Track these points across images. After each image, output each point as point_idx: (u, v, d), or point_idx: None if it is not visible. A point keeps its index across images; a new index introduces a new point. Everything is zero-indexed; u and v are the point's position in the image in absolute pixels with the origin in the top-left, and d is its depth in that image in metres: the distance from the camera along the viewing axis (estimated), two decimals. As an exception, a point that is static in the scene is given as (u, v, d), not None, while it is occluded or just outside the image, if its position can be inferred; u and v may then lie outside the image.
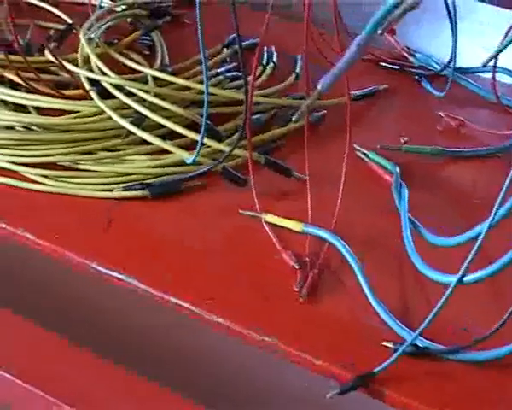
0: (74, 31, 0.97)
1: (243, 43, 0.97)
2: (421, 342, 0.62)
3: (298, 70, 0.95)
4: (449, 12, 0.89)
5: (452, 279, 0.58)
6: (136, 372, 0.68)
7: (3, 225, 0.75)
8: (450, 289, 0.58)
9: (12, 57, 0.87)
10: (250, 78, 0.75)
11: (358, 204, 0.77)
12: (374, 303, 0.66)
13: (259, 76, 0.94)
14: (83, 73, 0.87)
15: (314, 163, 0.77)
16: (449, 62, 0.94)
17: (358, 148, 0.83)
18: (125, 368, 0.68)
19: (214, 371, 0.71)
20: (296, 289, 0.68)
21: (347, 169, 0.74)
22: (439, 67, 0.99)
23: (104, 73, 0.86)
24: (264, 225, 0.74)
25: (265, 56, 0.98)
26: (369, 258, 0.71)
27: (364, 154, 0.83)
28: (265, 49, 0.99)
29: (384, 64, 0.99)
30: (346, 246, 0.70)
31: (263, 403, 0.69)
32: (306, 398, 0.68)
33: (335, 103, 0.87)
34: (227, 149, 0.79)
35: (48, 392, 0.67)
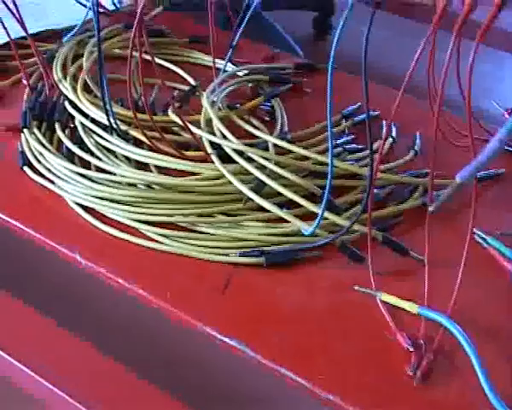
0: (197, 93, 0.99)
1: (363, 116, 0.99)
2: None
3: (417, 147, 0.95)
4: None
5: None
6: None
7: (119, 280, 0.77)
8: None
9: (138, 115, 0.88)
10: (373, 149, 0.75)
11: (476, 290, 0.76)
12: (489, 394, 0.65)
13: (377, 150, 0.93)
14: (205, 136, 0.88)
15: (431, 244, 0.77)
16: None
17: (478, 232, 0.82)
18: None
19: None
20: (410, 372, 0.67)
21: (467, 253, 0.73)
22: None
23: (225, 137, 0.88)
24: (379, 304, 0.74)
25: (384, 130, 0.98)
26: (485, 346, 0.69)
27: (483, 238, 0.82)
28: (384, 122, 0.98)
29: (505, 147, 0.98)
30: (463, 332, 0.69)
31: None
32: None
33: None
34: (345, 223, 0.79)
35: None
